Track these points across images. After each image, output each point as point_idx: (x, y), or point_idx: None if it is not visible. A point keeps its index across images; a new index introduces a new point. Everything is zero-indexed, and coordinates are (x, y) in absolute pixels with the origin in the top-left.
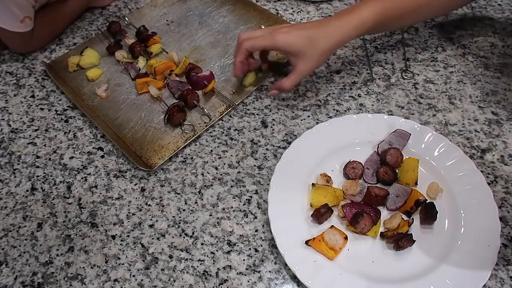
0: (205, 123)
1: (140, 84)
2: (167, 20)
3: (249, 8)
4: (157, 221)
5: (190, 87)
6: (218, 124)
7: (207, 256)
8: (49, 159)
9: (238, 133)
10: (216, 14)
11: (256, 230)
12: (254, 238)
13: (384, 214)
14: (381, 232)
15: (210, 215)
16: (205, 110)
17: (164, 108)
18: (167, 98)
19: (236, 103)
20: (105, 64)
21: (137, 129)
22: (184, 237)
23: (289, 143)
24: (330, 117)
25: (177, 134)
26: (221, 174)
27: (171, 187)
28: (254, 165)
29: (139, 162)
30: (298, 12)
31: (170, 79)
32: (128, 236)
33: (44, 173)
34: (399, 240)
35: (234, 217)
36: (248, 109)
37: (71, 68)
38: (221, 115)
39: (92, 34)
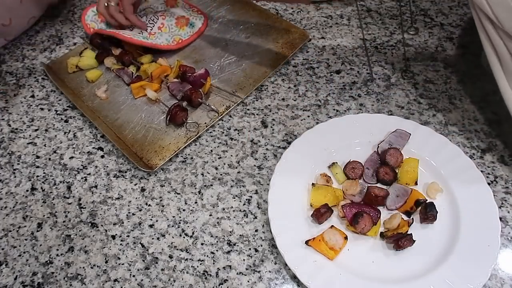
0: (205, 123)
1: (135, 89)
2: None
3: (248, 8)
4: (157, 221)
5: (192, 87)
6: (218, 124)
7: (207, 256)
8: (49, 159)
9: (238, 133)
10: (215, 15)
11: (256, 230)
12: (254, 238)
13: (384, 214)
14: (381, 232)
15: (210, 215)
16: (212, 106)
17: (163, 109)
18: (167, 100)
19: (242, 98)
20: (104, 65)
21: (138, 130)
22: (184, 237)
23: (289, 143)
24: (330, 117)
25: (178, 135)
26: (221, 174)
27: (171, 187)
28: (254, 165)
29: (139, 163)
30: (298, 12)
31: (169, 81)
32: (128, 236)
33: (44, 173)
34: (399, 240)
35: (234, 217)
36: (248, 109)
37: (70, 69)
38: (223, 112)
39: None
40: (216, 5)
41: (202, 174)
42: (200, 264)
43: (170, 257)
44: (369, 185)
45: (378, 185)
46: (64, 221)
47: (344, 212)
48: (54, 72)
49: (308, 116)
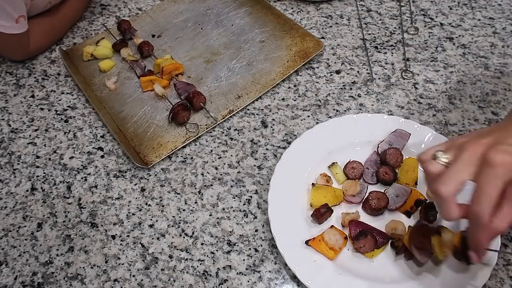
0: (206, 125)
1: (144, 82)
2: (185, 17)
3: (266, 12)
4: (157, 221)
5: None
6: (218, 124)
7: (207, 256)
8: (49, 159)
9: (238, 133)
10: (233, 15)
11: (256, 230)
12: (254, 238)
13: (386, 216)
14: (391, 242)
15: (210, 215)
16: (211, 114)
17: (168, 106)
18: (174, 98)
19: (242, 106)
20: (118, 56)
21: (140, 124)
22: (184, 237)
23: (289, 143)
24: (330, 117)
25: (178, 134)
26: (221, 174)
27: (171, 187)
28: (254, 165)
29: (136, 158)
30: (298, 12)
31: (177, 79)
32: (128, 236)
33: (44, 173)
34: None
35: (234, 217)
36: (248, 109)
37: (85, 57)
38: (224, 117)
39: (92, 34)
40: (236, 5)
41: (202, 174)
42: (200, 264)
43: (170, 257)
44: (368, 187)
45: (378, 185)
46: (64, 221)
47: (350, 228)
48: (69, 59)
49: (308, 116)
